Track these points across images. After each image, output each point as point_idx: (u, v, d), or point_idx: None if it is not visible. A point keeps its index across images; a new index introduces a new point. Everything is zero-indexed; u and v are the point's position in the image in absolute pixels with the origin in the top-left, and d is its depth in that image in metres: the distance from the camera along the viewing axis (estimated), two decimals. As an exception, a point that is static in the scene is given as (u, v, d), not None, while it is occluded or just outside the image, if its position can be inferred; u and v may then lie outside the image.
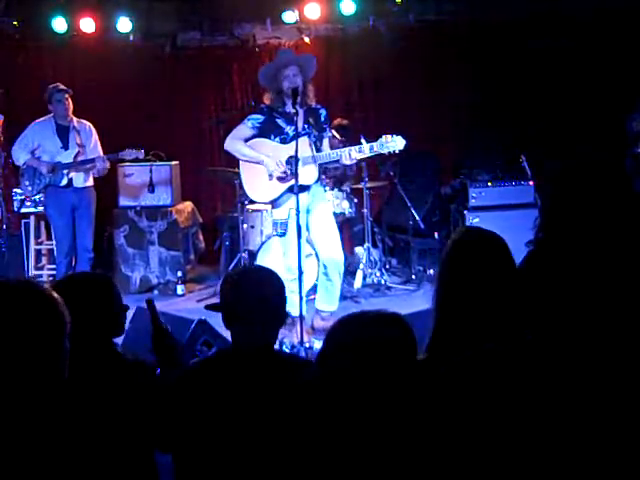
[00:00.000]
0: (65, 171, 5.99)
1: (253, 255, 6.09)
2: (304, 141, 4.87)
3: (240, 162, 5.20)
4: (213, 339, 4.14)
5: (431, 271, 6.53)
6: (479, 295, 2.08)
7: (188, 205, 7.18)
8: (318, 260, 5.30)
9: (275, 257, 5.63)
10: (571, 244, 2.17)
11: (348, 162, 4.96)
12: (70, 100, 6.00)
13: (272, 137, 5.07)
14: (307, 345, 4.59)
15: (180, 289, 6.57)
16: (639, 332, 1.92)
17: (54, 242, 6.25)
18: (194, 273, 7.25)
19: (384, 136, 4.89)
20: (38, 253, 6.85)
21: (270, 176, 5.08)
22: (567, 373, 1.75)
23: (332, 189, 6.40)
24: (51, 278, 6.66)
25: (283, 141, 5.04)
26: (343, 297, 5.62)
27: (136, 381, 2.29)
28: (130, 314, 4.39)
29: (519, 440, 1.55)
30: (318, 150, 5.03)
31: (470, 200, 6.70)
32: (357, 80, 7.89)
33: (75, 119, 6.11)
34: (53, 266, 6.46)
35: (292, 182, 4.78)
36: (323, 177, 5.82)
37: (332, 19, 7.42)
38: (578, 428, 1.63)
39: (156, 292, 6.73)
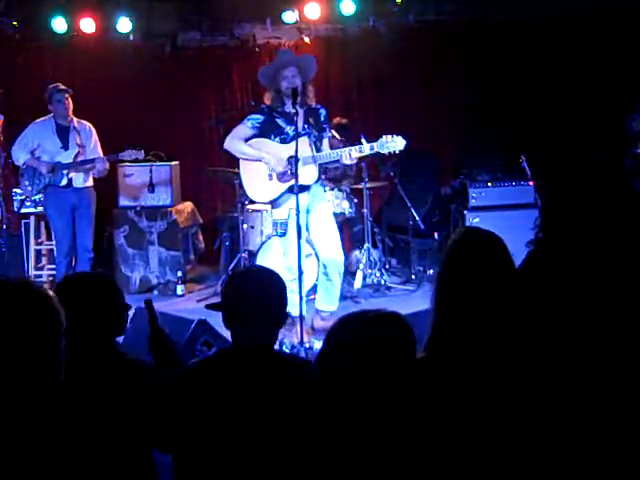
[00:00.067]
0: (65, 171, 5.99)
1: (253, 255, 6.09)
2: (304, 141, 4.87)
3: (240, 162, 5.20)
4: (213, 339, 4.14)
5: (431, 271, 6.53)
6: (478, 295, 2.08)
7: (188, 205, 7.17)
8: (318, 260, 5.30)
9: (275, 257, 5.63)
10: (571, 244, 2.17)
11: (348, 162, 4.96)
12: (70, 100, 6.00)
13: (272, 137, 5.07)
14: (307, 345, 4.59)
15: (180, 289, 6.57)
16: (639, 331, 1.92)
17: (54, 242, 6.25)
18: (194, 273, 7.25)
19: (384, 136, 4.89)
20: (38, 253, 6.84)
21: (270, 176, 5.08)
22: (570, 373, 1.75)
23: (332, 189, 6.40)
24: (51, 278, 6.66)
25: (283, 141, 5.04)
26: (343, 297, 5.62)
27: (137, 381, 2.29)
28: (130, 314, 4.40)
29: (521, 440, 1.55)
30: (318, 150, 5.03)
31: (470, 200, 6.70)
32: (357, 80, 7.89)
33: (75, 119, 6.10)
34: (53, 266, 6.46)
35: (292, 182, 4.78)
36: (323, 177, 5.82)
37: (332, 19, 7.41)
38: (581, 429, 1.63)
39: (156, 292, 6.73)
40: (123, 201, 6.82)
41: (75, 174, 6.04)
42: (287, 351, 4.55)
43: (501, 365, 1.58)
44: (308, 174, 4.94)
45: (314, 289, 5.57)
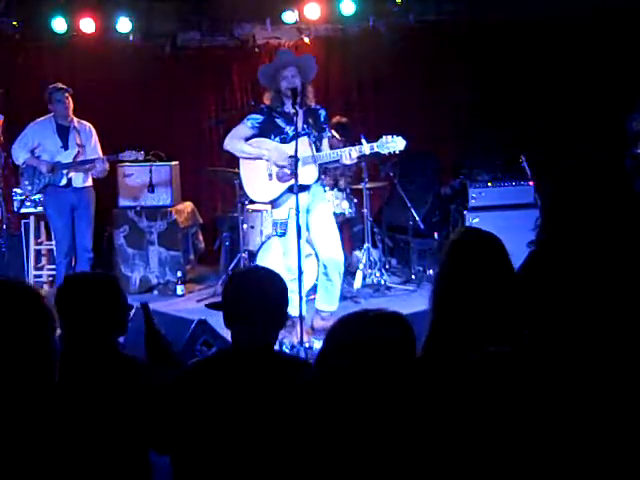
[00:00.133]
0: (64, 171, 5.99)
1: (253, 255, 6.09)
2: (304, 141, 4.87)
3: (240, 162, 5.20)
4: (213, 339, 4.15)
5: (431, 271, 6.52)
6: (476, 296, 2.08)
7: (188, 205, 7.17)
8: (318, 260, 5.30)
9: (275, 257, 5.63)
10: (571, 244, 2.16)
11: (348, 162, 4.96)
12: (70, 99, 6.00)
13: (272, 137, 5.07)
14: (307, 345, 4.59)
15: (180, 289, 6.57)
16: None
17: (54, 242, 6.25)
18: (194, 273, 7.24)
19: (384, 136, 4.89)
20: (38, 253, 6.84)
21: (270, 176, 5.08)
22: (570, 374, 1.75)
23: (332, 189, 6.39)
24: (51, 278, 6.67)
25: (283, 141, 5.04)
26: (343, 297, 5.62)
27: (137, 382, 2.29)
28: (130, 314, 4.39)
29: (520, 441, 1.55)
30: (318, 150, 5.03)
31: (470, 200, 6.70)
32: (357, 80, 7.89)
33: (76, 119, 6.11)
34: (53, 266, 6.46)
35: (292, 182, 4.78)
36: (323, 177, 5.82)
37: (332, 19, 7.41)
38: (580, 431, 1.63)
39: (156, 292, 6.73)
40: (123, 201, 6.82)
41: (75, 174, 6.04)
42: (287, 351, 4.56)
43: (500, 367, 1.58)
44: (308, 174, 4.94)
45: (314, 289, 5.57)
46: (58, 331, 2.35)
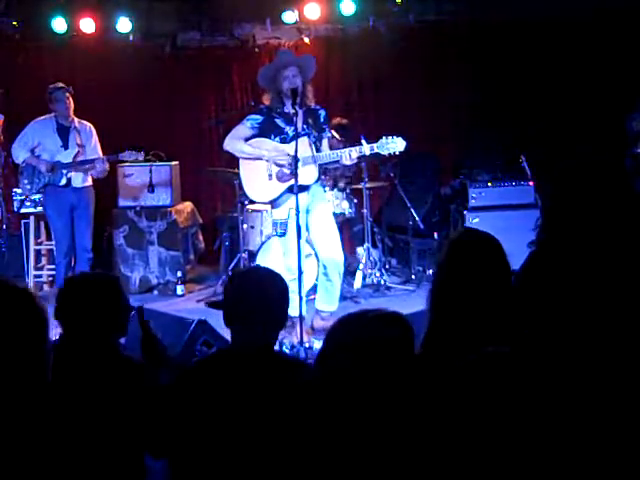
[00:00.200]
0: (64, 171, 6.00)
1: (253, 255, 6.09)
2: (303, 141, 4.87)
3: (240, 162, 5.20)
4: (213, 339, 4.14)
5: (430, 271, 6.52)
6: (473, 296, 2.08)
7: (188, 205, 7.17)
8: (318, 260, 5.30)
9: (275, 257, 5.63)
10: (572, 244, 2.16)
11: (348, 162, 4.96)
12: (71, 99, 6.00)
13: (272, 137, 5.07)
14: (307, 345, 4.59)
15: (180, 289, 6.57)
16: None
17: (53, 242, 6.26)
18: (194, 273, 7.24)
19: (384, 137, 4.89)
20: (38, 253, 6.84)
21: (270, 176, 5.08)
22: (570, 375, 1.75)
23: (332, 189, 6.39)
24: (51, 278, 6.67)
25: (283, 141, 5.04)
26: (343, 297, 5.62)
27: (136, 383, 2.29)
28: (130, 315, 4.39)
29: (520, 442, 1.55)
30: (318, 150, 5.03)
31: (470, 200, 6.70)
32: (357, 80, 7.88)
33: (76, 119, 6.11)
34: (53, 266, 6.47)
35: (291, 182, 4.78)
36: (323, 177, 5.82)
37: (332, 19, 7.41)
38: (579, 432, 1.63)
39: (156, 292, 6.73)
40: (123, 201, 6.82)
41: (74, 174, 6.04)
42: (287, 351, 4.56)
43: (498, 367, 1.57)
44: (308, 174, 4.94)
45: (314, 289, 5.57)
46: (59, 330, 2.36)
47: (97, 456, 1.90)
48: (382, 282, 6.43)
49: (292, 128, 4.89)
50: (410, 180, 7.03)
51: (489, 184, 6.76)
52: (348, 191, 6.54)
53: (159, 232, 6.75)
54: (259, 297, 2.29)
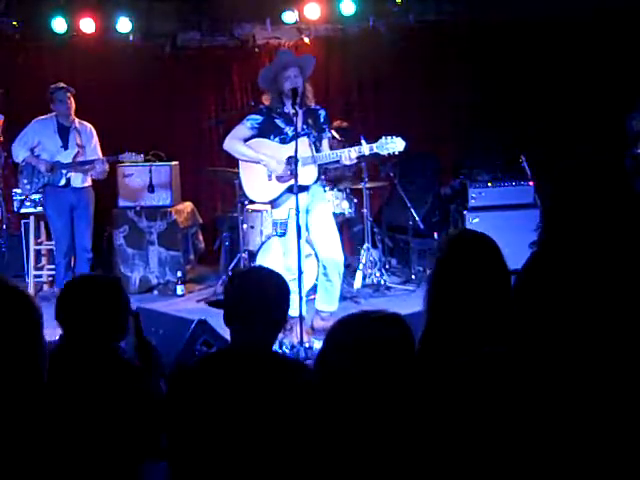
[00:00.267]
0: (64, 171, 6.00)
1: (253, 255, 6.09)
2: (303, 141, 4.87)
3: (239, 162, 5.20)
4: (213, 339, 4.15)
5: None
6: (470, 296, 2.08)
7: (188, 205, 7.17)
8: (318, 260, 5.30)
9: (275, 257, 5.63)
10: (572, 245, 2.16)
11: (348, 162, 4.96)
12: (72, 99, 6.01)
13: (271, 137, 5.07)
14: (307, 345, 4.59)
15: (180, 289, 6.57)
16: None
17: (53, 242, 6.26)
18: (194, 273, 7.24)
19: (384, 137, 4.88)
20: (38, 253, 6.84)
21: (269, 176, 5.08)
22: (572, 374, 1.75)
23: (332, 189, 6.39)
24: (50, 278, 6.67)
25: (283, 141, 5.04)
26: (343, 297, 5.62)
27: (135, 386, 2.28)
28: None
29: (516, 442, 1.55)
30: (318, 151, 5.03)
31: (470, 200, 6.70)
32: (357, 80, 7.89)
33: (77, 120, 6.12)
34: (53, 266, 6.47)
35: (291, 182, 4.78)
36: (323, 177, 5.82)
37: (332, 19, 7.41)
38: (577, 432, 1.63)
39: (156, 292, 6.72)
40: (123, 201, 6.82)
41: (73, 174, 6.05)
42: (287, 351, 4.56)
43: (496, 367, 1.58)
44: (307, 174, 4.94)
45: (314, 289, 5.57)
46: (59, 331, 2.35)
47: (94, 459, 1.89)
48: (382, 282, 6.43)
49: (292, 128, 4.89)
50: (410, 180, 7.03)
51: (489, 184, 6.76)
52: (348, 191, 6.54)
53: (159, 232, 6.75)
54: (259, 297, 2.29)
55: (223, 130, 5.93)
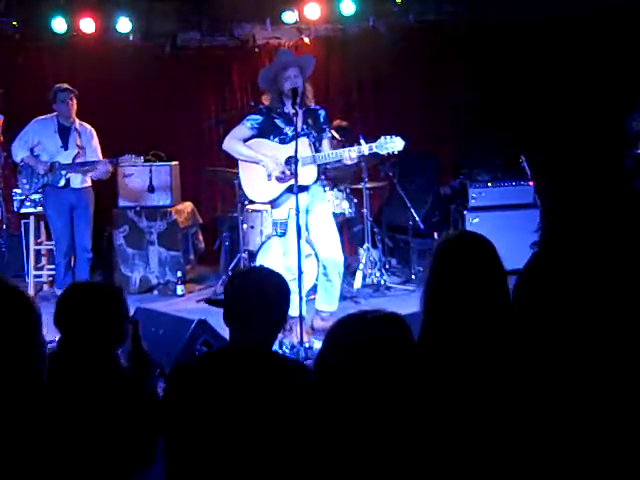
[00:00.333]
0: (63, 172, 6.00)
1: (253, 255, 6.08)
2: (303, 142, 4.86)
3: (239, 162, 5.20)
4: (213, 339, 4.15)
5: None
6: (466, 297, 2.07)
7: (188, 205, 7.17)
8: (318, 260, 5.30)
9: (275, 257, 5.63)
10: (572, 245, 2.16)
11: (349, 162, 4.97)
12: (75, 100, 6.02)
13: (271, 137, 5.06)
14: (307, 345, 4.59)
15: (180, 289, 6.57)
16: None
17: (53, 242, 6.26)
18: (194, 273, 7.24)
19: (383, 137, 4.89)
20: (38, 253, 6.84)
21: (269, 176, 5.08)
22: (572, 375, 1.75)
23: (332, 189, 6.39)
24: (50, 278, 6.67)
25: (282, 141, 5.04)
26: (343, 297, 5.62)
27: (134, 394, 2.27)
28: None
29: (514, 441, 1.55)
30: (317, 151, 5.03)
31: (470, 200, 6.71)
32: (357, 80, 7.89)
33: (77, 121, 6.12)
34: (53, 266, 6.47)
35: (291, 182, 4.78)
36: (323, 177, 5.82)
37: (332, 19, 7.41)
38: (575, 432, 1.63)
39: (156, 292, 6.73)
40: (123, 201, 6.82)
41: (73, 175, 6.05)
42: (287, 351, 4.56)
43: (497, 367, 1.58)
44: (307, 174, 4.94)
45: (314, 289, 5.57)
46: (57, 336, 2.35)
47: (86, 466, 1.89)
48: (382, 282, 6.43)
49: (291, 128, 4.89)
50: (410, 180, 7.03)
51: (489, 184, 6.76)
52: (348, 191, 6.54)
53: (159, 232, 6.75)
54: (259, 297, 2.30)
55: (223, 130, 5.92)
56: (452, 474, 1.62)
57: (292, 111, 4.87)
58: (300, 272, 4.54)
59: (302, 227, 4.68)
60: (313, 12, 7.13)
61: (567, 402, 1.68)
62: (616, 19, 7.05)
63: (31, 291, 6.42)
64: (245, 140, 5.10)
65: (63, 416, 1.81)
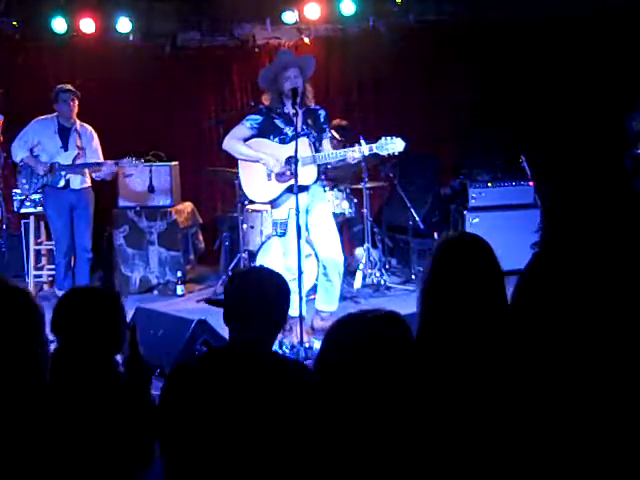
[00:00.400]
0: (63, 172, 6.00)
1: (253, 255, 6.09)
2: (303, 142, 4.86)
3: (239, 162, 5.20)
4: (213, 339, 4.16)
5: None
6: (462, 299, 2.07)
7: (188, 205, 7.17)
8: (318, 260, 5.30)
9: (275, 257, 5.63)
10: (572, 245, 2.16)
11: (352, 162, 4.99)
12: (76, 102, 6.02)
13: (271, 138, 5.06)
14: (307, 345, 4.59)
15: (180, 289, 6.57)
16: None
17: (53, 242, 6.26)
18: (194, 273, 7.25)
19: (383, 137, 4.89)
20: (38, 253, 6.84)
21: (269, 176, 5.08)
22: (575, 374, 1.75)
23: (332, 189, 6.39)
24: (50, 278, 6.67)
25: (282, 141, 5.04)
26: (343, 297, 5.62)
27: (132, 401, 2.26)
28: (130, 314, 4.39)
29: (518, 441, 1.55)
30: (317, 151, 5.03)
31: (470, 200, 6.71)
32: (357, 80, 7.89)
33: (78, 122, 6.12)
34: (53, 266, 6.47)
35: (291, 182, 4.78)
36: (323, 177, 5.82)
37: (332, 19, 7.41)
38: (580, 432, 1.63)
39: (156, 292, 6.73)
40: (123, 201, 6.82)
41: (73, 176, 6.05)
42: (287, 351, 4.56)
43: (497, 367, 1.58)
44: (307, 174, 4.94)
45: (314, 289, 5.57)
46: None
47: (83, 467, 1.88)
48: (382, 282, 6.43)
49: (291, 128, 4.89)
50: (410, 180, 7.03)
51: (489, 184, 6.76)
52: (348, 191, 6.54)
53: (159, 232, 6.75)
54: (259, 297, 2.29)
55: (223, 130, 5.93)
56: (451, 473, 1.62)
57: (292, 111, 4.87)
58: (300, 272, 4.54)
59: (302, 227, 4.68)
60: (313, 12, 7.13)
61: (567, 401, 1.68)
62: (616, 19, 7.05)
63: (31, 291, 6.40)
64: (245, 140, 5.10)
65: (61, 418, 1.81)
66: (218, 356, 2.38)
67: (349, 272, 6.35)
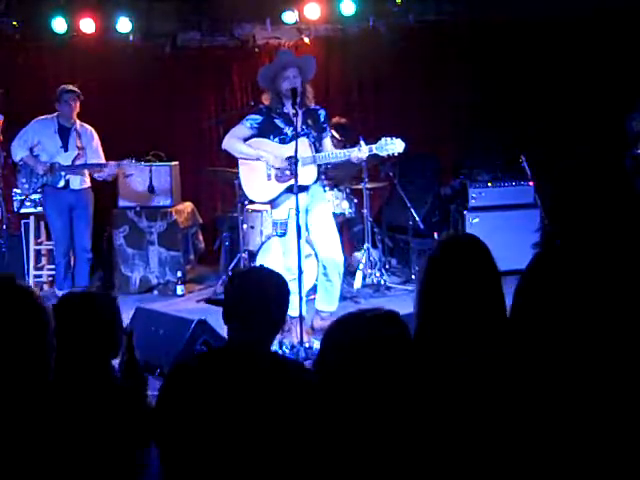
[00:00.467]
0: (62, 173, 6.00)
1: (253, 255, 6.09)
2: (303, 142, 4.87)
3: (239, 162, 5.20)
4: (213, 339, 4.16)
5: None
6: (459, 299, 2.07)
7: (188, 205, 7.17)
8: (318, 260, 5.30)
9: (275, 257, 5.63)
10: (572, 245, 2.16)
11: (355, 162, 5.00)
12: (78, 102, 6.02)
13: (271, 138, 5.07)
14: (307, 345, 4.59)
15: (180, 289, 6.57)
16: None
17: (53, 242, 6.27)
18: (194, 273, 7.25)
19: (383, 138, 4.89)
20: (38, 253, 6.84)
21: (269, 176, 5.08)
22: (576, 374, 1.75)
23: (332, 189, 6.39)
24: (50, 278, 6.67)
25: (282, 141, 5.04)
26: (343, 297, 5.62)
27: (130, 406, 2.26)
28: (130, 314, 4.39)
29: (517, 442, 1.55)
30: (317, 151, 5.03)
31: (470, 200, 6.71)
32: (357, 80, 7.89)
33: (78, 122, 6.12)
34: (53, 266, 6.47)
35: (291, 182, 4.78)
36: (323, 177, 5.82)
37: (332, 19, 7.41)
38: (580, 433, 1.63)
39: (156, 292, 6.73)
40: (123, 201, 6.82)
41: (72, 176, 6.06)
42: (287, 351, 4.56)
43: (498, 367, 1.58)
44: (307, 174, 4.94)
45: (314, 289, 5.57)
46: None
47: (78, 469, 1.88)
48: (382, 282, 6.43)
49: (291, 128, 4.89)
50: (410, 180, 7.03)
51: (489, 184, 6.77)
52: (348, 191, 6.54)
53: (159, 232, 6.75)
54: (259, 297, 2.30)
55: (223, 130, 5.92)
56: (450, 473, 1.62)
57: (292, 111, 4.87)
58: (300, 272, 4.54)
59: (302, 227, 4.68)
60: (313, 12, 7.13)
61: (567, 400, 1.68)
62: (616, 19, 7.05)
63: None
64: (245, 139, 5.10)
65: (56, 423, 1.81)
66: (217, 355, 2.38)
67: (349, 272, 6.35)
